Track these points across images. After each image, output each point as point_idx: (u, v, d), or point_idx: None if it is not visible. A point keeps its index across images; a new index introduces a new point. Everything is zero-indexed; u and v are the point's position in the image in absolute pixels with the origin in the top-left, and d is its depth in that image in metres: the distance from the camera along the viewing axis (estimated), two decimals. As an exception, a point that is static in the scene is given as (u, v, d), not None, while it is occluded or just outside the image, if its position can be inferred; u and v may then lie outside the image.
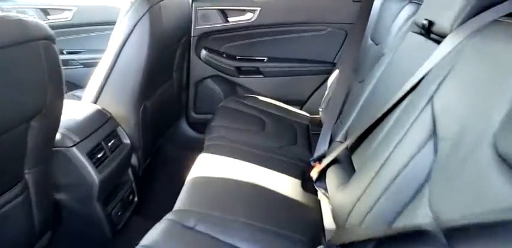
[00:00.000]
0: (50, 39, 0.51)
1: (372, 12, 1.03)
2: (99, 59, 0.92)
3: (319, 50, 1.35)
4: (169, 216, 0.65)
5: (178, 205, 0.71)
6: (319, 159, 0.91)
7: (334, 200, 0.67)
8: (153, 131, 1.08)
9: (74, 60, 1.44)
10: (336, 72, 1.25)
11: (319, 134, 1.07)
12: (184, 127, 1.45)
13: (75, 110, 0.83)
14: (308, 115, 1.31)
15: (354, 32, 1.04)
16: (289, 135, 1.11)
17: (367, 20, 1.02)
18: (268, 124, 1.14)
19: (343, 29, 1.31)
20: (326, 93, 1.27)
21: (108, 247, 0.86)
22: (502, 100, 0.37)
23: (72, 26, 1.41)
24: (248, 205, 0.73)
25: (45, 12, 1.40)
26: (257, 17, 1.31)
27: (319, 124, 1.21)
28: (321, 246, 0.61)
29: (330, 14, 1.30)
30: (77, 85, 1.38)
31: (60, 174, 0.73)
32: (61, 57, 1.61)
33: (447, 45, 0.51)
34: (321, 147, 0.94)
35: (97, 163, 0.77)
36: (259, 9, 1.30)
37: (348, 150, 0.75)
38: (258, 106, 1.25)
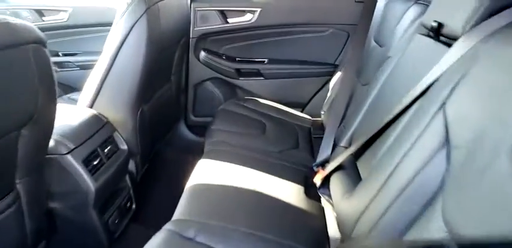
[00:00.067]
0: (40, 42, 0.48)
1: (375, 13, 1.01)
2: (96, 61, 0.89)
3: (320, 51, 1.33)
4: (168, 226, 0.63)
5: (177, 214, 0.68)
6: (322, 164, 0.89)
7: (340, 208, 0.65)
8: (151, 135, 1.05)
9: (69, 62, 1.42)
10: (338, 74, 1.23)
11: (321, 138, 1.05)
12: (183, 130, 1.43)
13: (69, 115, 0.80)
14: (310, 118, 1.28)
15: (357, 34, 1.02)
16: (290, 138, 1.09)
17: (370, 21, 1.00)
18: (269, 127, 1.12)
19: (345, 30, 1.29)
20: (328, 95, 1.25)
21: (105, 256, 0.83)
22: None
23: (68, 27, 1.39)
24: (249, 214, 0.71)
25: (40, 13, 1.37)
26: (257, 18, 1.29)
27: (321, 127, 1.19)
28: (327, 257, 0.58)
29: (331, 15, 1.28)
30: (73, 88, 1.36)
31: (54, 182, 0.71)
32: (57, 59, 1.58)
33: (459, 48, 0.49)
34: (323, 152, 0.91)
35: (93, 171, 0.74)
36: (259, 10, 1.28)
37: (352, 155, 0.72)
38: (259, 109, 1.23)
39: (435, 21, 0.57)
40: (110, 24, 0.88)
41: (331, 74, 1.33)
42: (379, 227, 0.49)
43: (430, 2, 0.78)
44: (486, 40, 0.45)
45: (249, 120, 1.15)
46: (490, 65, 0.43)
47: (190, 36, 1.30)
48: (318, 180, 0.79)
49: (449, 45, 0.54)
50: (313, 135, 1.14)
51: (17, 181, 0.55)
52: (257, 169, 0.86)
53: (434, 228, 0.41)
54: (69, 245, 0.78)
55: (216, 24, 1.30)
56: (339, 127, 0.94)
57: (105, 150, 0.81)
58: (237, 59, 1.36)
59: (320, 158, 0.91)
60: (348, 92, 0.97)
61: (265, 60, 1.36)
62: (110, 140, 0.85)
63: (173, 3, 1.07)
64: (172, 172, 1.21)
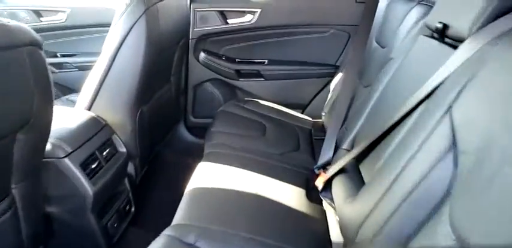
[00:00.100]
0: (35, 44, 0.47)
1: (377, 13, 1.00)
2: (95, 62, 0.88)
3: (321, 52, 1.32)
4: (168, 231, 0.61)
5: (177, 218, 0.67)
6: (324, 167, 0.88)
7: (342, 212, 0.64)
8: (150, 137, 1.04)
9: (68, 63, 1.40)
10: (339, 76, 1.22)
11: (322, 139, 1.04)
12: (183, 132, 1.41)
13: (67, 118, 0.79)
14: (310, 119, 1.27)
15: (358, 34, 1.01)
16: (291, 140, 1.08)
17: (372, 21, 0.99)
18: (269, 129, 1.11)
19: (346, 31, 1.28)
20: (329, 96, 1.24)
21: (104, 261, 0.82)
22: None
23: (66, 28, 1.37)
24: (250, 218, 0.70)
25: (38, 13, 1.36)
26: (257, 19, 1.27)
27: (321, 128, 1.18)
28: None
29: (332, 16, 1.27)
30: (71, 89, 1.34)
31: (51, 186, 0.69)
32: (55, 60, 1.57)
33: (465, 51, 0.48)
34: (325, 154, 0.90)
35: (91, 174, 0.73)
36: (259, 10, 1.27)
37: (355, 158, 0.71)
38: (259, 111, 1.21)
39: (440, 22, 0.56)
40: (108, 25, 0.87)
41: (331, 75, 1.32)
42: (384, 232, 0.48)
43: (433, 3, 0.77)
44: (494, 42, 0.44)
45: (249, 121, 1.14)
46: (498, 68, 0.42)
47: (190, 37, 1.29)
48: (319, 183, 0.78)
49: (454, 47, 0.53)
50: (314, 137, 1.13)
51: (13, 186, 0.54)
52: (258, 172, 0.85)
53: (441, 234, 0.40)
54: (67, 250, 0.77)
55: (216, 25, 1.29)
56: (340, 129, 0.92)
57: (104, 153, 0.80)
58: (236, 59, 1.35)
59: (321, 160, 0.89)
60: (350, 94, 0.96)
61: (266, 61, 1.35)
62: (108, 143, 0.83)
63: (172, 3, 1.06)
64: (172, 175, 1.20)
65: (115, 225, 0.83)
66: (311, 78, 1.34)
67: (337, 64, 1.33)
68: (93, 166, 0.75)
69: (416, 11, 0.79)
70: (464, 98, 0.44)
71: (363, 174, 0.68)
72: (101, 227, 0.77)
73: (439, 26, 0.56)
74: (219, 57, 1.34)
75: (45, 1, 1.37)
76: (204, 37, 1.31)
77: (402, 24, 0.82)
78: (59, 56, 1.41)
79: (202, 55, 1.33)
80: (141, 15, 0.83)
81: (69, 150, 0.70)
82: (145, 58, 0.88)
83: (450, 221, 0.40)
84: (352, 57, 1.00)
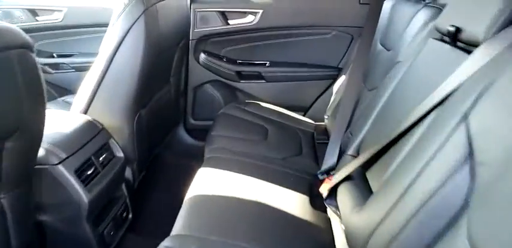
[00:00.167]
0: (26, 46, 0.44)
1: (381, 15, 0.98)
2: (92, 62, 0.85)
3: (323, 54, 1.30)
4: (167, 243, 0.59)
5: (176, 228, 0.64)
6: (328, 172, 0.85)
7: (350, 221, 0.61)
8: (148, 141, 1.01)
9: (64, 63, 1.37)
10: (342, 78, 1.20)
11: (325, 143, 1.02)
12: (182, 134, 1.39)
13: (62, 122, 0.76)
14: (313, 122, 1.25)
15: (363, 36, 0.99)
16: (293, 144, 1.05)
17: (377, 23, 0.97)
18: (271, 132, 1.08)
19: (349, 33, 1.26)
20: (332, 99, 1.22)
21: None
22: None
23: (63, 27, 1.34)
24: (251, 227, 0.67)
25: (34, 13, 1.33)
26: (259, 20, 1.25)
27: (324, 132, 1.15)
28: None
29: (335, 17, 1.24)
30: (68, 90, 1.31)
31: (44, 194, 0.66)
32: (51, 60, 1.53)
33: (481, 55, 0.45)
34: (329, 159, 0.88)
35: (86, 181, 0.70)
36: (261, 11, 1.24)
37: (361, 165, 0.69)
38: (260, 113, 1.19)
39: (452, 25, 0.54)
40: (106, 25, 0.84)
41: (334, 77, 1.30)
42: (399, 241, 0.45)
43: (441, 5, 0.75)
44: (512, 47, 0.41)
45: (251, 124, 1.12)
46: (518, 75, 0.39)
47: (190, 38, 1.26)
48: (324, 190, 0.76)
49: (467, 52, 0.51)
50: (316, 141, 1.11)
51: (2, 196, 0.51)
52: (259, 178, 0.82)
53: (459, 247, 0.37)
54: (61, 260, 0.74)
55: (217, 25, 1.26)
56: (344, 133, 0.90)
57: (100, 158, 0.77)
58: (237, 61, 1.33)
59: (325, 166, 0.87)
60: (354, 97, 0.94)
61: (267, 62, 1.33)
62: (105, 147, 0.80)
63: (172, 4, 1.03)
64: (171, 179, 1.17)
65: (111, 233, 0.80)
66: (313, 80, 1.32)
67: (339, 66, 1.31)
68: (89, 172, 0.72)
69: (423, 13, 0.77)
70: (481, 106, 0.42)
71: (370, 182, 0.65)
72: (97, 235, 0.74)
73: (451, 29, 0.54)
74: (220, 58, 1.32)
75: (41, 0, 1.34)
76: (204, 38, 1.28)
77: (409, 26, 0.80)
78: (55, 56, 1.38)
79: (202, 56, 1.30)
80: (140, 16, 0.81)
81: (64, 156, 0.67)
82: (144, 59, 0.85)
83: (468, 235, 0.37)
84: (356, 60, 0.98)
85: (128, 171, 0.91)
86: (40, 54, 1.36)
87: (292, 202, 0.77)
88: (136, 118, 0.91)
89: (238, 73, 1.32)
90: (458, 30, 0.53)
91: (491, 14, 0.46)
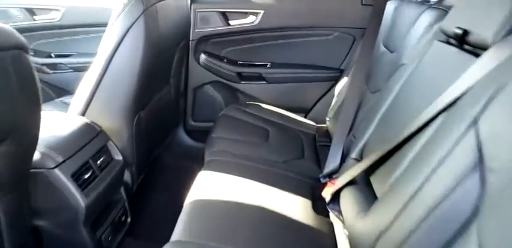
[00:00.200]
0: (21, 47, 0.42)
1: (384, 16, 0.96)
2: (91, 63, 0.83)
3: (325, 55, 1.28)
4: (166, 249, 0.57)
5: (176, 234, 0.63)
6: (330, 175, 0.84)
7: (354, 227, 0.60)
8: (148, 143, 0.99)
9: (62, 64, 1.35)
10: (344, 80, 1.19)
11: (326, 146, 1.00)
12: (182, 135, 1.37)
13: (59, 124, 0.74)
14: (314, 124, 1.23)
15: (366, 38, 0.98)
16: (295, 147, 1.04)
17: (380, 25, 0.96)
18: (272, 134, 1.07)
19: (351, 34, 1.25)
20: (333, 101, 1.20)
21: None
22: None
23: (61, 27, 1.32)
24: (253, 232, 0.66)
25: (31, 12, 1.31)
26: (260, 20, 1.24)
27: (326, 134, 1.14)
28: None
29: (337, 18, 1.23)
30: (66, 91, 1.29)
31: (40, 199, 0.64)
32: (49, 60, 1.51)
33: (490, 59, 0.44)
34: (331, 162, 0.86)
35: (83, 185, 0.68)
36: (262, 12, 1.23)
37: (365, 169, 0.67)
38: (261, 115, 1.18)
39: (459, 28, 0.53)
40: (105, 25, 0.82)
41: (335, 79, 1.29)
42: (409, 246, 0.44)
43: (447, 7, 0.74)
44: (524, 50, 0.40)
45: (252, 126, 1.10)
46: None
47: (190, 39, 1.25)
48: (327, 194, 0.74)
49: (476, 55, 0.50)
50: (318, 143, 1.09)
51: (-4, 201, 0.49)
52: (261, 182, 0.81)
53: None
54: (58, 266, 0.72)
55: (217, 26, 1.25)
56: (347, 136, 0.89)
57: (98, 162, 0.75)
58: (238, 62, 1.31)
59: (327, 169, 0.86)
60: (357, 99, 0.92)
61: (268, 63, 1.31)
62: (103, 150, 0.79)
63: (172, 4, 1.02)
64: (170, 181, 1.16)
65: (109, 238, 0.79)
66: (314, 81, 1.31)
67: (341, 67, 1.29)
68: (87, 176, 0.70)
69: (428, 15, 0.75)
70: (491, 111, 0.41)
71: (374, 187, 0.64)
72: (95, 240, 0.73)
73: (459, 31, 0.53)
74: (220, 59, 1.30)
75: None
76: (204, 38, 1.27)
77: (413, 28, 0.79)
78: (53, 56, 1.36)
79: (202, 57, 1.29)
80: (139, 16, 0.79)
81: (60, 160, 0.65)
82: (143, 60, 0.83)
83: (479, 242, 0.36)
84: (359, 62, 0.97)
85: (126, 174, 0.90)
86: (37, 54, 1.34)
87: (294, 206, 0.75)
88: (135, 120, 0.89)
89: (239, 74, 1.31)
90: (465, 32, 0.52)
91: (500, 16, 0.45)
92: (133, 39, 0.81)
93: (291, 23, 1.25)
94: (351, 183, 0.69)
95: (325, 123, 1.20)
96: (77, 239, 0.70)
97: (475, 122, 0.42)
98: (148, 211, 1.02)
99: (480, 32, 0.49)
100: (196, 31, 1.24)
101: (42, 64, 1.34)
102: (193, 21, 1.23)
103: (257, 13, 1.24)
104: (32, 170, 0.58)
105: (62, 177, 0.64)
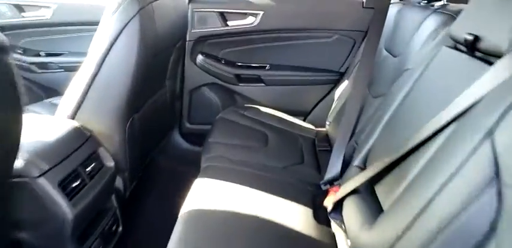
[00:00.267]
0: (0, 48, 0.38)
1: (387, 20, 0.95)
2: (82, 62, 0.79)
3: (325, 58, 1.26)
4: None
5: (171, 246, 0.59)
6: (331, 182, 0.81)
7: (358, 239, 0.57)
8: (141, 147, 0.95)
9: (53, 63, 1.29)
10: (345, 84, 1.17)
11: (326, 150, 0.98)
12: (177, 138, 1.33)
13: (46, 129, 0.70)
14: (313, 128, 1.21)
15: (368, 41, 0.96)
16: (295, 152, 1.01)
17: (382, 28, 0.94)
18: (271, 139, 1.04)
19: (351, 37, 1.23)
20: (333, 105, 1.18)
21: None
22: None
23: (51, 25, 1.27)
24: (251, 243, 0.63)
25: (20, 8, 1.25)
26: (259, 22, 1.21)
27: (325, 138, 1.12)
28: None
29: (337, 21, 1.21)
30: (56, 91, 1.24)
31: (23, 209, 0.60)
32: (38, 59, 1.45)
33: (505, 67, 0.42)
34: (332, 168, 0.84)
35: (71, 194, 0.64)
36: (261, 13, 1.20)
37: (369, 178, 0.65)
38: (260, 118, 1.15)
39: (470, 34, 0.51)
40: (98, 24, 0.78)
41: (335, 82, 1.27)
42: None
43: (453, 12, 0.72)
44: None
45: (250, 130, 1.07)
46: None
47: (187, 39, 1.21)
48: (329, 203, 0.72)
49: (488, 62, 0.48)
50: (318, 148, 1.07)
51: (-28, 215, 0.45)
52: (259, 189, 0.78)
53: None
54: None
55: (215, 26, 1.22)
56: (349, 141, 0.86)
57: (88, 169, 0.71)
58: (236, 63, 1.28)
59: (328, 175, 0.83)
60: (358, 104, 0.90)
61: (267, 65, 1.29)
62: (93, 156, 0.74)
63: (169, 3, 0.98)
64: (165, 187, 1.12)
65: (99, 249, 0.74)
66: (314, 84, 1.29)
67: (341, 70, 1.28)
68: (75, 184, 0.66)
69: (433, 20, 0.74)
70: (508, 122, 0.38)
71: (379, 197, 0.62)
72: (83, 252, 0.68)
73: (469, 37, 0.51)
74: (218, 60, 1.27)
75: (28, -5, 1.27)
76: (202, 39, 1.23)
77: (417, 33, 0.77)
78: (42, 54, 1.30)
79: (200, 58, 1.25)
80: (134, 15, 0.75)
81: (46, 168, 0.60)
82: (138, 60, 0.80)
83: None
84: (361, 65, 0.95)
85: (118, 180, 0.85)
86: (26, 52, 1.28)
87: (295, 215, 0.72)
88: (128, 123, 0.85)
89: (237, 76, 1.28)
90: (476, 38, 0.50)
91: (516, 22, 0.43)
92: (128, 39, 0.77)
93: (290, 24, 1.23)
94: (354, 192, 0.66)
95: (324, 127, 1.18)
96: (63, 252, 0.65)
97: (490, 133, 0.39)
98: (141, 220, 0.97)
99: (492, 39, 0.47)
100: (194, 31, 1.21)
101: (31, 63, 1.29)
102: (190, 21, 1.19)
103: (256, 14, 1.21)
104: (14, 179, 0.54)
105: (48, 186, 0.59)
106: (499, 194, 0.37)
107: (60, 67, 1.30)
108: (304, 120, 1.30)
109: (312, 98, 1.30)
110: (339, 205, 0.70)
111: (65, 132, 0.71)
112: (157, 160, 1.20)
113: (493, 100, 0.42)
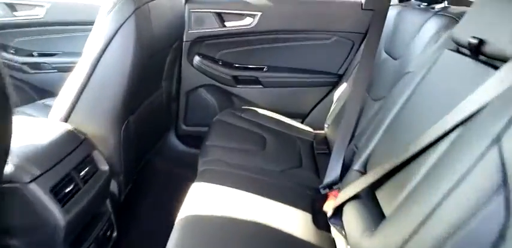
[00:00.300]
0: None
1: (386, 22, 0.94)
2: (76, 63, 0.77)
3: (323, 60, 1.25)
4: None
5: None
6: (330, 186, 0.80)
7: (359, 246, 0.56)
8: (136, 150, 0.93)
9: (46, 63, 1.26)
10: (343, 86, 1.16)
11: (325, 153, 0.97)
12: (174, 140, 1.31)
13: (38, 132, 0.67)
14: (312, 130, 1.20)
15: (367, 44, 0.95)
16: (293, 155, 1.00)
17: (381, 30, 0.93)
18: (269, 141, 1.03)
19: (350, 39, 1.22)
20: (332, 107, 1.17)
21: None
22: None
23: (44, 24, 1.24)
24: (251, 250, 0.61)
25: (12, 7, 1.22)
26: (257, 23, 1.20)
27: (324, 141, 1.11)
28: None
29: (336, 22, 1.20)
30: (49, 92, 1.21)
31: (13, 216, 0.58)
32: (31, 59, 1.42)
33: (511, 72, 0.41)
34: (331, 172, 0.83)
35: (64, 200, 0.62)
36: (259, 14, 1.19)
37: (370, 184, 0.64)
38: (257, 121, 1.13)
39: (474, 37, 0.50)
40: (92, 23, 0.76)
41: (333, 84, 1.26)
42: None
43: (455, 14, 0.71)
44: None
45: (247, 133, 1.06)
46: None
47: (184, 40, 1.19)
48: (328, 208, 0.70)
49: (493, 66, 0.47)
50: (316, 151, 1.06)
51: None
52: (257, 194, 0.76)
53: None
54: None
55: (213, 27, 1.20)
56: (348, 145, 0.85)
57: (82, 173, 0.69)
58: (234, 65, 1.27)
59: (328, 179, 0.82)
60: (358, 107, 0.89)
61: (265, 67, 1.27)
62: (87, 160, 0.72)
63: (166, 3, 0.96)
64: (161, 190, 1.10)
65: (92, 256, 0.72)
66: (312, 86, 1.28)
67: (339, 73, 1.27)
68: (68, 189, 0.63)
69: (434, 22, 0.73)
70: (516, 128, 0.38)
71: (380, 202, 0.60)
72: (75, 260, 0.66)
73: (473, 41, 0.50)
74: (215, 61, 1.25)
75: (21, -6, 1.24)
76: (199, 40, 1.22)
77: (418, 35, 0.76)
78: (35, 54, 1.27)
79: (196, 59, 1.24)
80: (130, 15, 0.74)
81: (37, 173, 0.58)
82: (134, 61, 0.78)
83: None
84: (360, 68, 0.94)
85: (113, 184, 0.83)
86: (18, 52, 1.25)
87: (294, 220, 0.71)
88: (123, 126, 0.83)
89: (235, 77, 1.26)
90: (481, 42, 0.49)
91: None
92: (124, 39, 0.75)
93: (288, 26, 1.21)
94: (354, 197, 0.65)
95: (322, 129, 1.17)
96: (55, 259, 0.63)
97: (497, 139, 0.38)
98: (136, 224, 0.95)
99: (497, 42, 0.47)
100: (191, 32, 1.19)
101: (23, 63, 1.25)
102: (187, 22, 1.18)
103: (254, 15, 1.19)
104: (5, 185, 0.51)
105: (39, 192, 0.57)
106: (507, 202, 0.36)
107: (54, 68, 1.27)
108: (302, 122, 1.29)
109: (310, 100, 1.30)
110: (339, 210, 0.69)
111: (57, 135, 0.68)
112: (153, 162, 1.18)
113: (499, 106, 0.41)
